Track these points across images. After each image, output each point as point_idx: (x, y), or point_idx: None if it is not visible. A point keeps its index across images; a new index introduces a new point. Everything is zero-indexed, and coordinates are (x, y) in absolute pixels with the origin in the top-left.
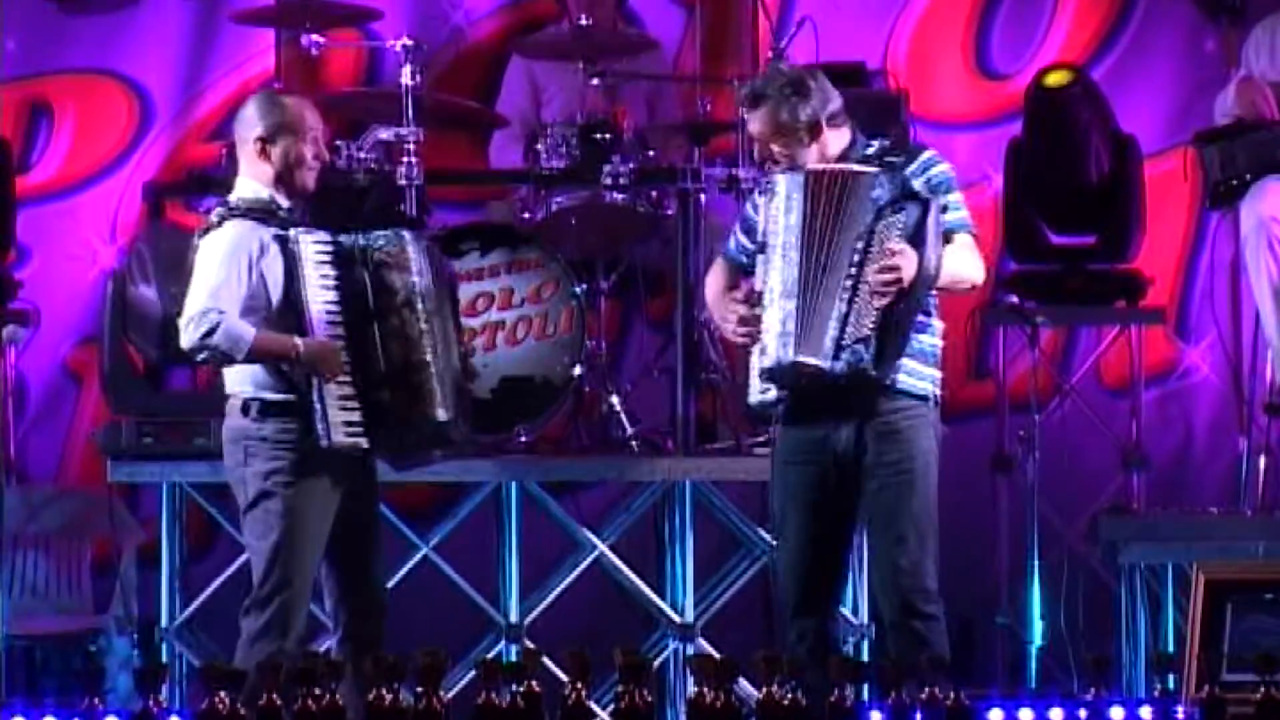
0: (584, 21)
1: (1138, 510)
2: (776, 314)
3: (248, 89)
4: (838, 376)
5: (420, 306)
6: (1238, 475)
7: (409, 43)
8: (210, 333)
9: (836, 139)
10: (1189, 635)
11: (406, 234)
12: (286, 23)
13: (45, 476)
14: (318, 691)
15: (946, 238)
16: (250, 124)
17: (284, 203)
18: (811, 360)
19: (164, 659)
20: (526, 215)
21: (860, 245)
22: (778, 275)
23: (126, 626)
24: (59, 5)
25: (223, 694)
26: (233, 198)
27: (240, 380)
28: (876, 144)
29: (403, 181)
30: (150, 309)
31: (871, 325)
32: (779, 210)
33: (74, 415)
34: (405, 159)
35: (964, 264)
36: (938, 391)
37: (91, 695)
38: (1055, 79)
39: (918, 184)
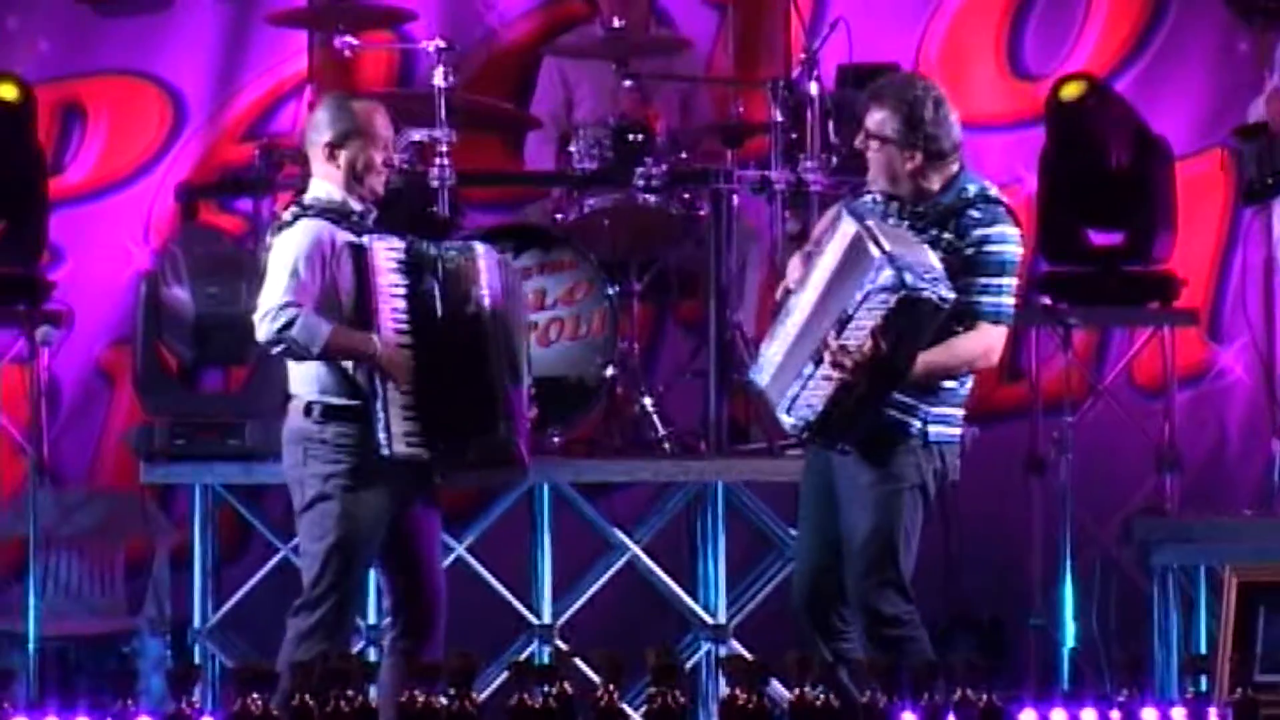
0: (617, 23)
1: (1171, 512)
2: (778, 333)
3: (281, 90)
4: (786, 431)
5: (487, 320)
6: (1271, 477)
7: (442, 44)
8: (288, 326)
9: (936, 175)
10: (1221, 637)
11: (479, 245)
12: (320, 24)
13: (78, 478)
14: (350, 693)
15: (968, 320)
16: (320, 128)
17: (356, 206)
18: (772, 402)
19: (196, 660)
20: (559, 216)
21: (842, 317)
22: (798, 299)
23: (159, 628)
24: (93, 7)
25: (255, 695)
26: (307, 197)
27: (305, 382)
28: (974, 189)
29: (435, 183)
30: (183, 310)
31: (822, 398)
32: (829, 242)
33: (107, 416)
34: (438, 160)
35: (966, 351)
36: (930, 428)
37: (124, 696)
38: (1069, 91)
39: (962, 249)
